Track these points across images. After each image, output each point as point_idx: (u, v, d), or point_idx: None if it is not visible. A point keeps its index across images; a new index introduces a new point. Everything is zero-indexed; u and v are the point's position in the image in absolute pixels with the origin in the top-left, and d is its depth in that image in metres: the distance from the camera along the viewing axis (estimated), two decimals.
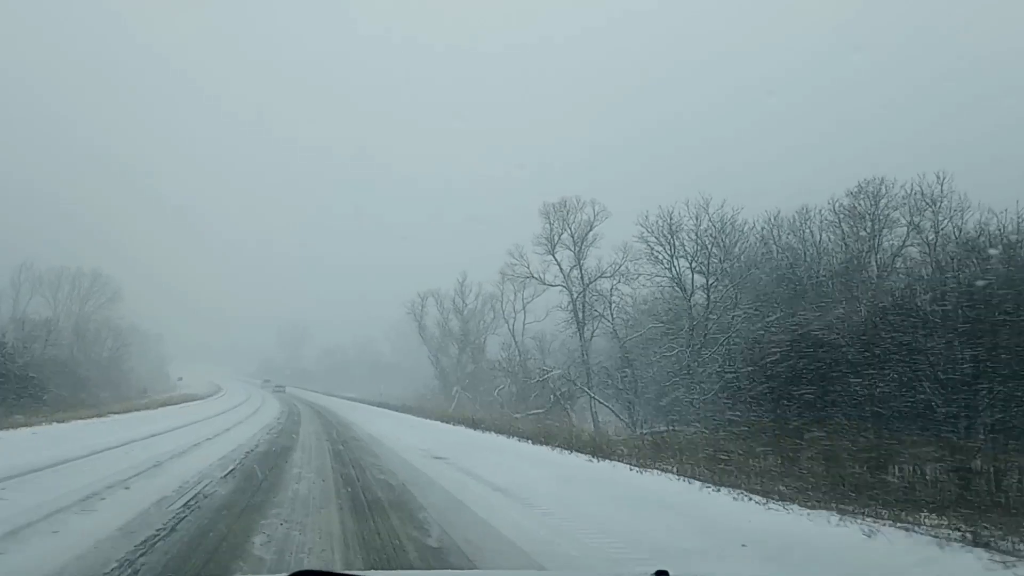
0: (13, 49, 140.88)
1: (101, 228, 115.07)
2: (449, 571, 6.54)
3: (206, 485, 11.44)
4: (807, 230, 34.36)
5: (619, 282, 40.02)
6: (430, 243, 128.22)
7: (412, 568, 6.57)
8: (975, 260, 18.09)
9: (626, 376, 38.99)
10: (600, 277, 40.57)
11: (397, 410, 44.70)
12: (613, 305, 40.59)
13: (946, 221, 26.07)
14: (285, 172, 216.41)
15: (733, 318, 29.78)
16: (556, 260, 41.86)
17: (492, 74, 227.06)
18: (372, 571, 5.69)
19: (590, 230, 40.65)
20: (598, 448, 21.67)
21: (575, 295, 41.23)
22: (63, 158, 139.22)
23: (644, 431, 32.49)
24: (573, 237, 40.90)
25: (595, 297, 40.46)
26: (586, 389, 38.14)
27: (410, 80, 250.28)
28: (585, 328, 41.22)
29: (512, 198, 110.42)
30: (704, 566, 6.83)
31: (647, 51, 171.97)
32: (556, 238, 41.54)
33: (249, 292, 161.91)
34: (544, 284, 42.11)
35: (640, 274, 37.38)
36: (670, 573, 2.52)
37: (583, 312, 41.01)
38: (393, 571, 6.39)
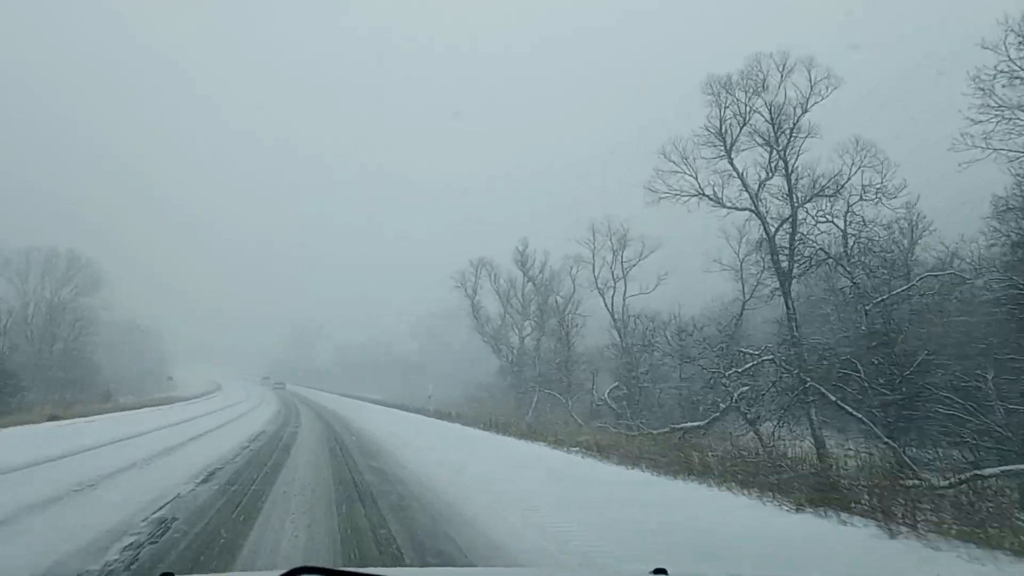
0: (13, 49, 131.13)
1: (101, 228, 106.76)
2: (448, 568, 5.67)
3: None
4: None
5: (859, 199, 22.00)
6: (429, 243, 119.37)
7: (411, 565, 5.63)
8: None
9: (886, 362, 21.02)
10: (818, 196, 22.51)
11: (468, 424, 26.78)
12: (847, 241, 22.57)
13: None
14: (285, 171, 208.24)
15: None
16: (735, 169, 23.79)
17: (492, 74, 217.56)
18: (371, 568, 3.69)
19: (803, 112, 22.66)
20: None
21: (774, 227, 23.14)
22: (63, 158, 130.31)
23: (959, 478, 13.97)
24: (773, 123, 22.85)
25: (820, 222, 22.30)
26: (826, 391, 19.93)
27: (410, 80, 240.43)
28: (784, 285, 23.16)
29: (512, 198, 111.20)
30: (701, 565, 5.72)
31: (647, 51, 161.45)
32: (736, 132, 23.58)
33: (256, 291, 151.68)
34: (722, 207, 23.88)
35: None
36: (668, 571, 2.34)
37: (791, 256, 22.96)
38: (393, 568, 5.64)
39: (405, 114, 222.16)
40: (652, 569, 2.36)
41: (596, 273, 38.50)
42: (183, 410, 32.41)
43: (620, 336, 36.36)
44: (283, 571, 1.93)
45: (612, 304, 37.74)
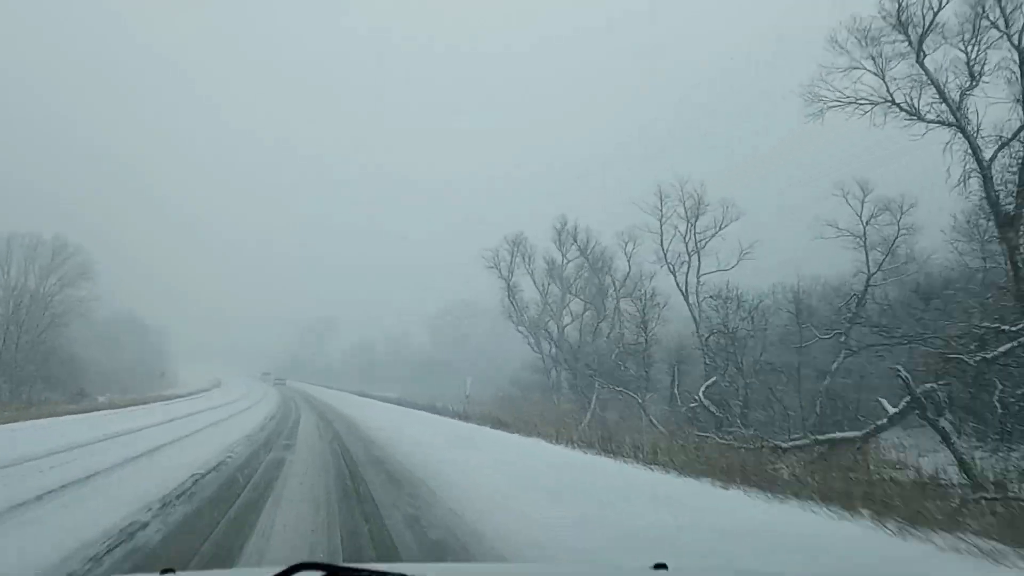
0: (13, 49, 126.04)
1: (101, 228, 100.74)
2: (449, 564, 5.03)
3: None
4: None
5: None
6: (430, 243, 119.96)
7: (413, 560, 5.02)
8: None
9: None
10: None
11: (539, 437, 18.81)
12: None
13: None
14: (285, 171, 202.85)
15: None
16: (927, 72, 16.01)
17: (492, 74, 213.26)
18: (373, 564, 2.79)
19: None
20: None
21: (988, 151, 15.31)
22: (63, 158, 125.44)
23: None
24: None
25: None
26: None
27: (410, 80, 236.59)
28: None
29: (512, 198, 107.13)
30: (703, 560, 5.25)
31: (647, 51, 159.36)
32: (928, 19, 15.84)
33: (258, 291, 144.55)
34: (919, 119, 15.95)
35: None
36: (668, 566, 2.21)
37: (1021, 190, 15.14)
38: (394, 563, 4.41)
39: (405, 114, 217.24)
40: (653, 564, 2.22)
41: (665, 246, 30.73)
42: (149, 414, 24.69)
43: (696, 318, 28.75)
44: (283, 567, 1.80)
45: (687, 283, 30.07)
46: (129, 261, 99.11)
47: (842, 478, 12.20)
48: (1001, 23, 15.08)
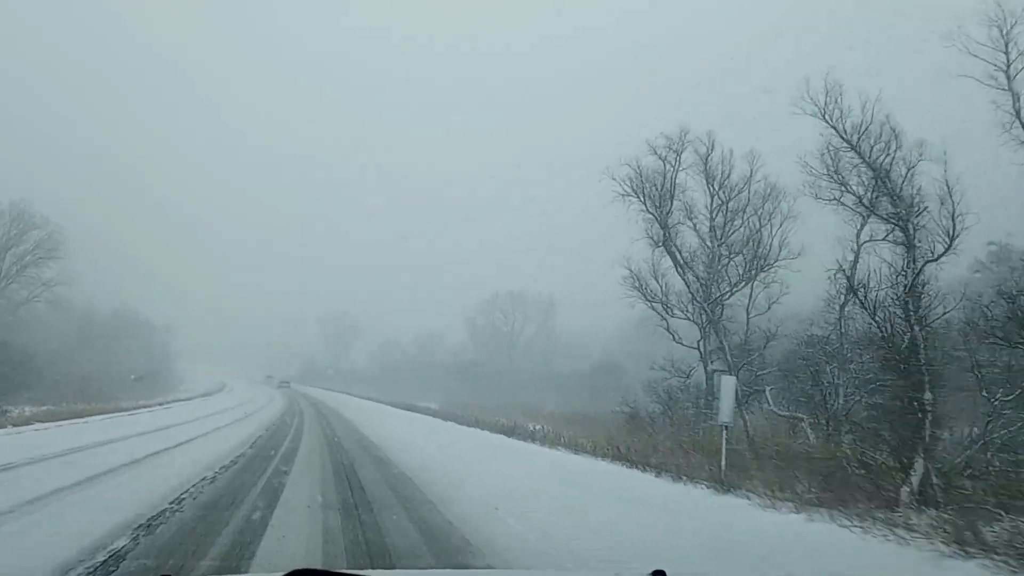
0: (13, 49, 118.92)
1: (101, 228, 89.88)
2: (448, 570, 5.59)
3: None
4: None
5: None
6: (429, 243, 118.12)
7: (414, 568, 5.53)
8: None
9: None
10: None
11: None
12: None
13: None
14: (286, 171, 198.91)
15: None
16: None
17: (492, 74, 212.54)
18: (371, 570, 4.52)
19: None
20: None
21: None
22: (62, 158, 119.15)
23: None
24: None
25: None
26: None
27: (410, 80, 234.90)
28: None
29: (512, 198, 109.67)
30: (701, 566, 5.74)
31: (647, 51, 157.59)
32: None
33: (265, 290, 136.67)
34: None
35: None
36: (667, 573, 2.24)
37: None
38: (393, 570, 5.62)
39: (405, 114, 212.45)
40: (651, 571, 2.24)
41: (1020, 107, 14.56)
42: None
43: None
44: (281, 574, 1.83)
45: None
46: (130, 260, 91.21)
47: None
48: None
